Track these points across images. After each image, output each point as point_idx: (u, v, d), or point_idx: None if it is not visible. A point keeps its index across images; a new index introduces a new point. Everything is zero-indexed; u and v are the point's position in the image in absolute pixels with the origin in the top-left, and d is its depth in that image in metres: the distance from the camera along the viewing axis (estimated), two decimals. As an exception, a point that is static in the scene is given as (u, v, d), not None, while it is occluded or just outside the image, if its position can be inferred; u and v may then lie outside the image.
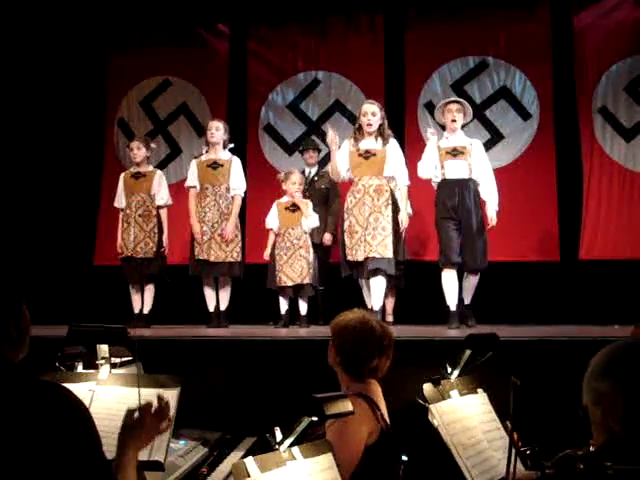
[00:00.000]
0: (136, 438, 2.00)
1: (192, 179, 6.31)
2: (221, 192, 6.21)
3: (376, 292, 5.65)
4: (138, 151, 6.43)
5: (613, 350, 1.75)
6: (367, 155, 5.72)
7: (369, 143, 5.75)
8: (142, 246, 6.28)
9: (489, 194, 5.69)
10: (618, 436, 1.67)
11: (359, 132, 5.79)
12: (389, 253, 5.55)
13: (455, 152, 5.68)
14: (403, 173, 5.78)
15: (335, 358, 2.82)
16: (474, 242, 5.62)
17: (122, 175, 6.55)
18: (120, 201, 6.45)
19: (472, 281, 5.75)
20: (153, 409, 2.07)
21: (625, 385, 1.67)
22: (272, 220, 6.25)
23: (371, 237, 5.54)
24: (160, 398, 2.10)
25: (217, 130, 6.24)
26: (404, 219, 5.68)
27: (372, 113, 5.69)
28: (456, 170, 5.67)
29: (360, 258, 5.59)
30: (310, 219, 6.21)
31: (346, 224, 5.71)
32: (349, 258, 5.67)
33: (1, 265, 1.74)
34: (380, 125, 5.72)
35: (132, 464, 1.96)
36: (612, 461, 1.60)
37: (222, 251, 6.13)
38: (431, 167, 5.74)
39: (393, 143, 5.78)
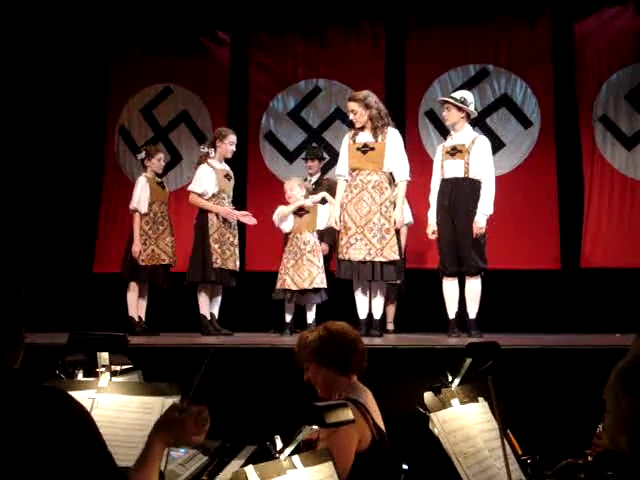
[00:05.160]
0: (170, 433, 1.95)
1: (212, 186, 6.17)
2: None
3: (377, 299, 5.57)
4: (164, 163, 6.64)
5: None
6: (365, 149, 5.52)
7: (366, 137, 5.56)
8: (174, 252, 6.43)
9: (482, 195, 5.40)
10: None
11: (355, 126, 5.63)
12: (396, 256, 5.42)
13: (454, 151, 5.46)
14: (402, 166, 5.54)
15: (321, 373, 2.82)
16: (469, 243, 5.36)
17: (146, 180, 6.43)
18: (144, 206, 6.37)
19: (474, 289, 5.42)
20: (196, 417, 2.01)
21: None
22: (287, 224, 6.17)
23: (377, 239, 5.35)
24: (202, 410, 2.05)
25: (234, 145, 6.28)
26: (397, 217, 5.45)
27: (351, 111, 5.56)
28: (452, 169, 5.45)
29: (357, 257, 5.38)
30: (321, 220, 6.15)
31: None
32: (340, 257, 5.48)
33: (7, 271, 1.73)
34: (371, 118, 5.51)
35: (157, 459, 1.91)
36: (614, 470, 1.60)
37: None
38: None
39: (392, 133, 5.57)
